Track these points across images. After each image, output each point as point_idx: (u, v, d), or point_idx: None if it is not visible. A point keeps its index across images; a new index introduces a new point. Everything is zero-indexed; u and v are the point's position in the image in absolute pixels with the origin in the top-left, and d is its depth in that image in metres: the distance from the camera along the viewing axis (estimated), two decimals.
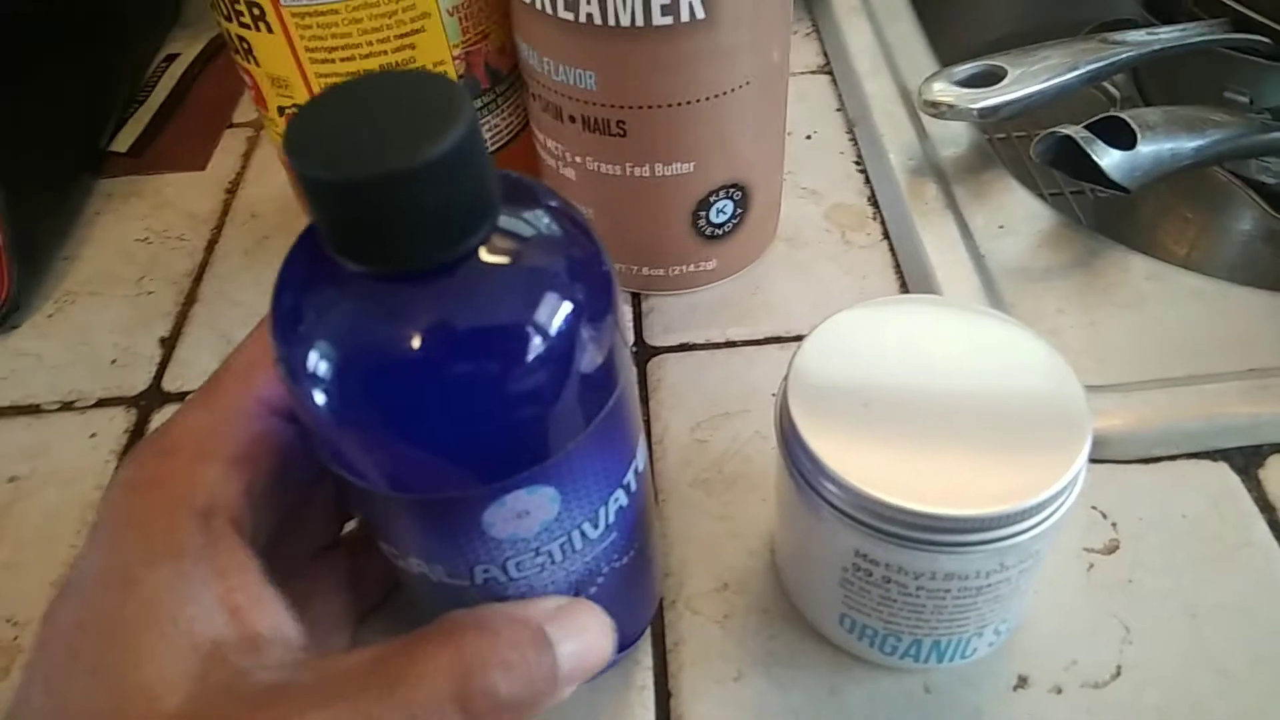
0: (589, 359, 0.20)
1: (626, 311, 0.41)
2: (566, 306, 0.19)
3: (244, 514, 0.22)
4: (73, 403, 0.39)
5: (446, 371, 0.18)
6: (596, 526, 0.23)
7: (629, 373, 0.23)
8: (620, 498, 0.23)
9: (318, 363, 0.18)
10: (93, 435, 0.38)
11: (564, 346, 0.19)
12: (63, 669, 0.20)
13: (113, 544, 0.21)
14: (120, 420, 0.38)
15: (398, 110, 0.17)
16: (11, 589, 0.33)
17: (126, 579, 0.20)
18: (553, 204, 0.21)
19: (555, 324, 0.19)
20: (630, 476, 0.24)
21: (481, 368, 0.18)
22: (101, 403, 0.39)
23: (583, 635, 0.23)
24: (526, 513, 0.21)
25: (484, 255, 0.18)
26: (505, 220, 0.19)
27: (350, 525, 0.29)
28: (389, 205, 0.17)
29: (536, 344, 0.19)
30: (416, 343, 0.18)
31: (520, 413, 0.19)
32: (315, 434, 0.20)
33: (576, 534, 0.23)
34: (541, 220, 0.20)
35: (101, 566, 0.21)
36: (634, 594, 0.27)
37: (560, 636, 0.22)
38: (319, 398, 0.19)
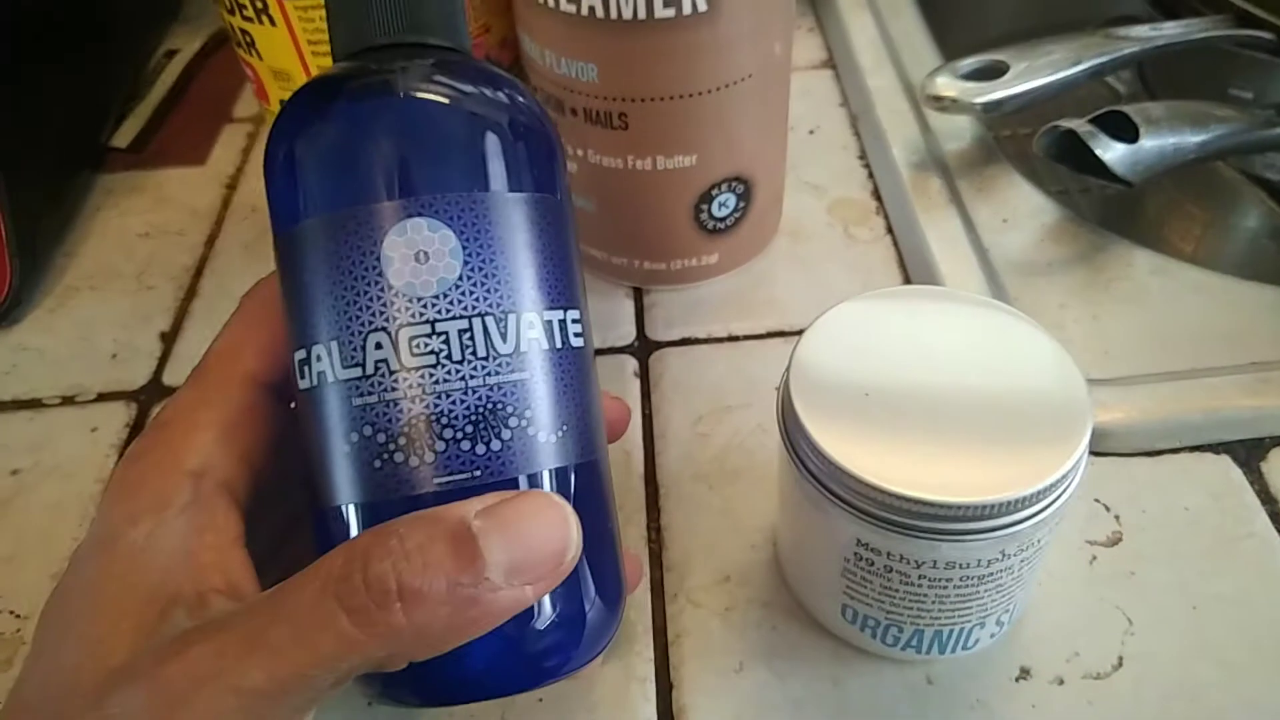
0: (505, 129, 0.22)
1: (628, 306, 0.41)
2: (500, 91, 0.23)
3: (237, 479, 0.22)
4: (74, 397, 0.39)
5: (372, 81, 0.22)
6: (505, 339, 0.21)
7: (553, 229, 0.23)
8: (537, 329, 0.22)
9: (281, 124, 0.23)
10: (94, 430, 0.38)
11: (481, 102, 0.23)
12: (46, 630, 0.21)
13: (106, 509, 0.22)
14: (121, 414, 0.38)
15: None
16: (13, 582, 0.33)
17: (110, 539, 0.21)
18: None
19: (484, 89, 0.23)
20: (562, 320, 0.23)
21: (403, 81, 0.22)
22: (102, 397, 0.39)
23: (522, 521, 0.19)
24: (425, 255, 0.21)
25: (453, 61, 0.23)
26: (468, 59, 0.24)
27: None
28: None
29: (458, 83, 0.22)
30: (353, 83, 0.22)
31: (426, 126, 0.22)
32: (275, 193, 0.23)
33: (479, 328, 0.21)
34: (494, 70, 0.24)
35: (92, 533, 0.21)
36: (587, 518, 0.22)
37: (490, 526, 0.19)
38: (277, 140, 0.22)
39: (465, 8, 0.25)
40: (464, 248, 0.21)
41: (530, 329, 0.22)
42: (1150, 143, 0.39)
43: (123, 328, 0.42)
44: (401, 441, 0.21)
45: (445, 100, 0.22)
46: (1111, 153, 0.38)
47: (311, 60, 0.34)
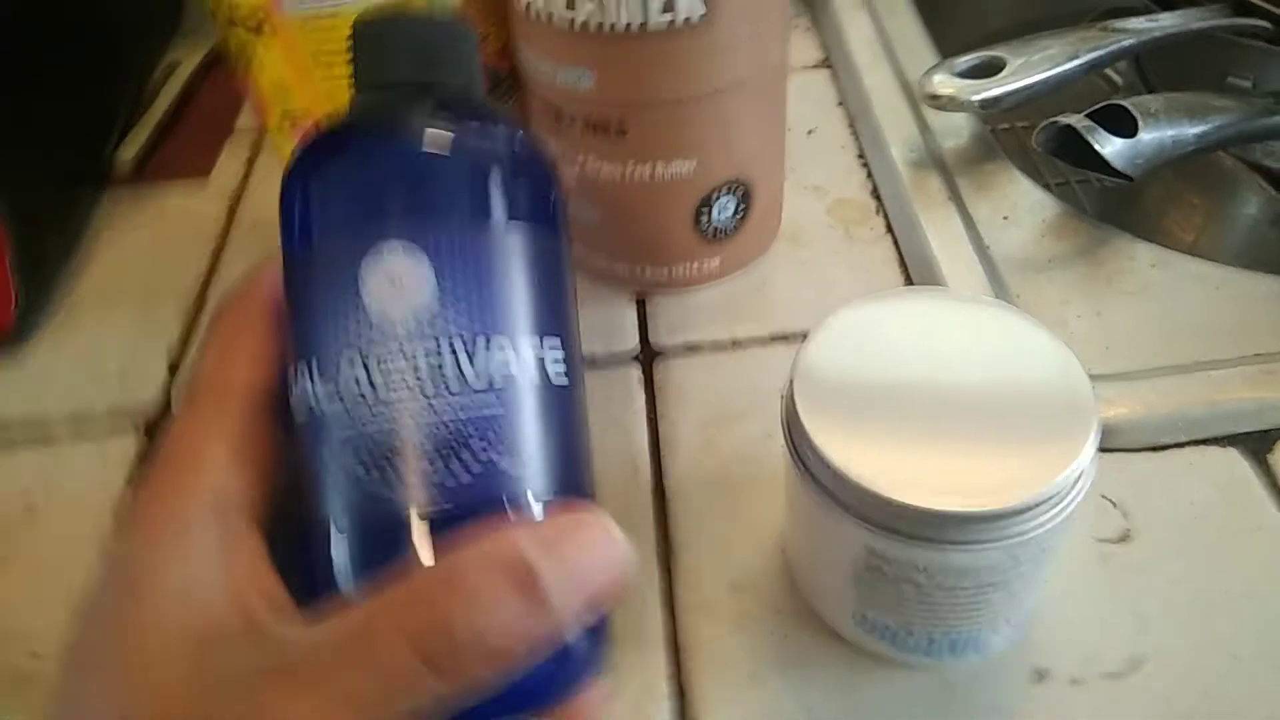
0: (491, 164, 0.23)
1: (631, 314, 0.41)
2: (492, 127, 0.24)
3: (253, 497, 0.22)
4: (83, 415, 0.39)
5: (367, 120, 0.24)
6: (474, 366, 0.21)
7: (544, 257, 0.24)
8: (514, 360, 0.22)
9: (292, 159, 0.24)
10: (103, 450, 0.38)
11: (468, 137, 0.23)
12: (78, 675, 0.20)
13: (124, 546, 0.21)
14: (129, 432, 0.38)
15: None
16: (31, 618, 0.33)
17: (135, 580, 0.20)
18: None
19: (475, 126, 0.24)
20: (527, 352, 0.22)
21: (397, 119, 0.23)
22: (111, 414, 0.39)
23: (581, 555, 0.20)
24: (400, 281, 0.21)
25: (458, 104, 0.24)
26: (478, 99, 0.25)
27: None
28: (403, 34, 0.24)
29: (451, 120, 0.23)
30: (350, 121, 0.24)
31: (411, 160, 0.23)
32: (287, 216, 0.23)
33: (449, 355, 0.21)
34: (491, 109, 0.26)
35: (111, 571, 0.21)
36: None
37: (550, 570, 0.19)
38: (288, 172, 0.23)
39: (479, 55, 0.26)
40: (438, 274, 0.21)
41: (505, 360, 0.22)
42: (1149, 136, 0.39)
43: (130, 345, 0.42)
44: (372, 465, 0.21)
45: (433, 135, 0.23)
46: (1110, 147, 0.38)
47: (310, 73, 0.34)
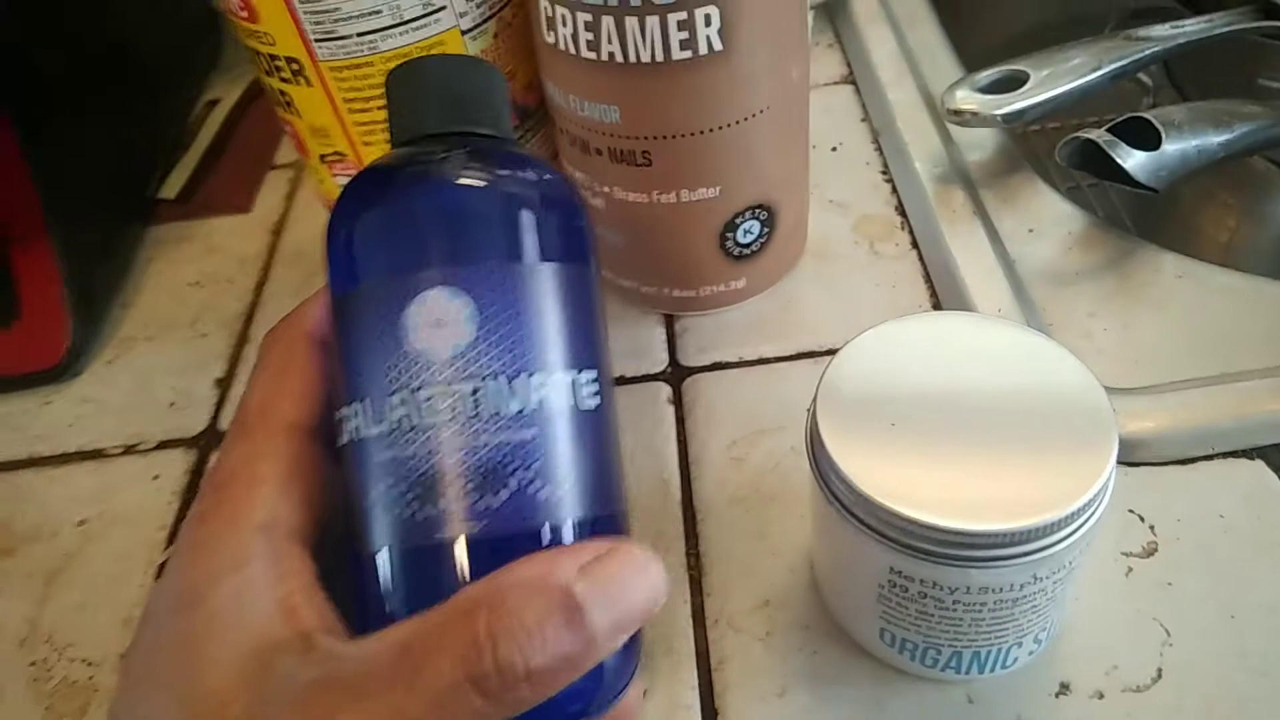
0: (524, 207, 0.24)
1: (659, 333, 0.42)
2: (525, 173, 0.25)
3: (302, 525, 0.24)
4: (135, 445, 0.41)
5: (408, 169, 0.25)
6: (516, 399, 0.23)
7: (577, 293, 0.25)
8: (550, 390, 0.23)
9: (336, 205, 0.25)
10: (155, 477, 0.40)
11: (504, 183, 0.25)
12: (140, 688, 0.21)
13: (181, 569, 0.22)
14: (180, 461, 0.40)
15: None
16: (85, 630, 0.35)
17: (194, 598, 0.21)
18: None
19: (509, 172, 0.25)
20: (563, 384, 0.24)
21: (434, 168, 0.25)
22: (163, 445, 0.41)
23: (620, 582, 0.21)
24: (443, 322, 0.23)
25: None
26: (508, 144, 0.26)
27: None
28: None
29: (486, 168, 0.25)
30: (392, 170, 0.25)
31: (451, 206, 0.24)
32: (334, 260, 0.25)
33: (491, 390, 0.23)
34: (524, 155, 0.27)
35: (171, 592, 0.22)
36: None
37: (592, 592, 0.21)
38: (333, 218, 0.25)
39: (507, 99, 0.28)
40: (480, 313, 0.23)
41: (542, 390, 0.23)
42: (1172, 147, 0.39)
43: (179, 376, 0.44)
44: (419, 493, 0.22)
45: (470, 183, 0.24)
46: (1133, 160, 0.39)
47: (348, 117, 0.36)
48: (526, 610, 0.20)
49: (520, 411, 0.23)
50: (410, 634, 0.21)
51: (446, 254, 0.24)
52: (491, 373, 0.23)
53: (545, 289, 0.24)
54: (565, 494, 0.23)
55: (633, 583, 0.21)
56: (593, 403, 0.24)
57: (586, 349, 0.25)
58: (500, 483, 0.23)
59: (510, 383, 0.23)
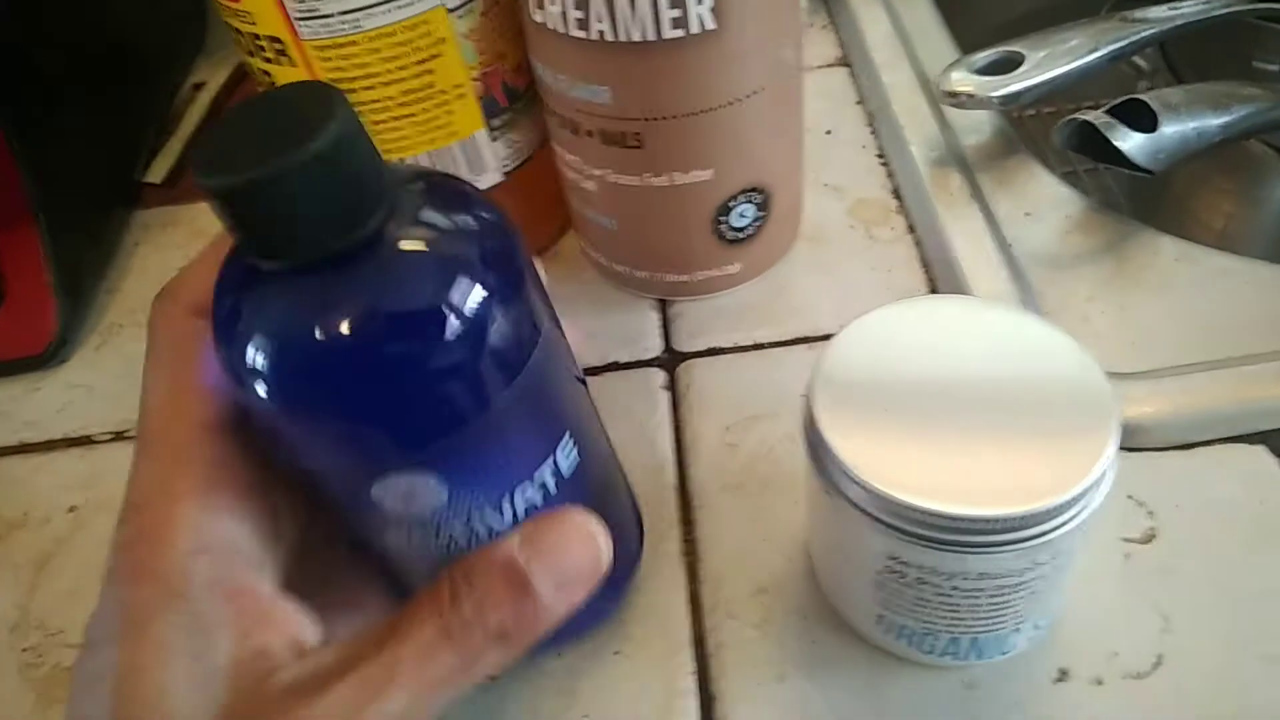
0: (456, 362, 0.20)
1: (653, 318, 0.41)
2: (440, 312, 0.20)
3: (239, 532, 0.22)
4: (124, 431, 0.41)
5: (321, 358, 0.20)
6: (503, 517, 0.24)
7: (537, 379, 0.23)
8: (531, 495, 0.24)
9: (238, 351, 0.20)
10: None
11: (423, 349, 0.20)
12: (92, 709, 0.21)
13: (119, 602, 0.21)
14: None
15: (283, 120, 0.19)
16: (76, 616, 0.34)
17: (137, 633, 0.21)
18: (462, 199, 0.22)
19: (415, 331, 0.20)
20: (544, 476, 0.24)
21: (356, 355, 0.20)
22: None
23: (559, 547, 0.23)
24: (412, 494, 0.22)
25: (384, 244, 0.20)
26: (406, 211, 0.20)
27: None
28: (275, 202, 0.18)
29: (396, 346, 0.20)
30: (297, 333, 0.20)
31: (385, 403, 0.20)
32: (271, 434, 0.22)
33: (479, 523, 0.23)
34: (441, 214, 0.21)
35: (113, 626, 0.21)
36: None
37: (533, 556, 0.22)
38: (243, 377, 0.21)
39: (370, 142, 0.20)
40: (448, 482, 0.22)
41: (526, 492, 0.24)
42: (1170, 129, 0.39)
43: None
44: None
45: (410, 360, 0.20)
46: (1130, 142, 0.38)
47: None
48: (479, 581, 0.22)
49: (514, 517, 0.24)
50: (381, 622, 0.22)
51: (405, 440, 0.21)
52: (477, 509, 0.23)
53: (511, 414, 0.22)
54: None
55: (572, 548, 0.23)
56: (571, 465, 0.25)
57: (555, 422, 0.25)
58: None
59: (496, 507, 0.24)
